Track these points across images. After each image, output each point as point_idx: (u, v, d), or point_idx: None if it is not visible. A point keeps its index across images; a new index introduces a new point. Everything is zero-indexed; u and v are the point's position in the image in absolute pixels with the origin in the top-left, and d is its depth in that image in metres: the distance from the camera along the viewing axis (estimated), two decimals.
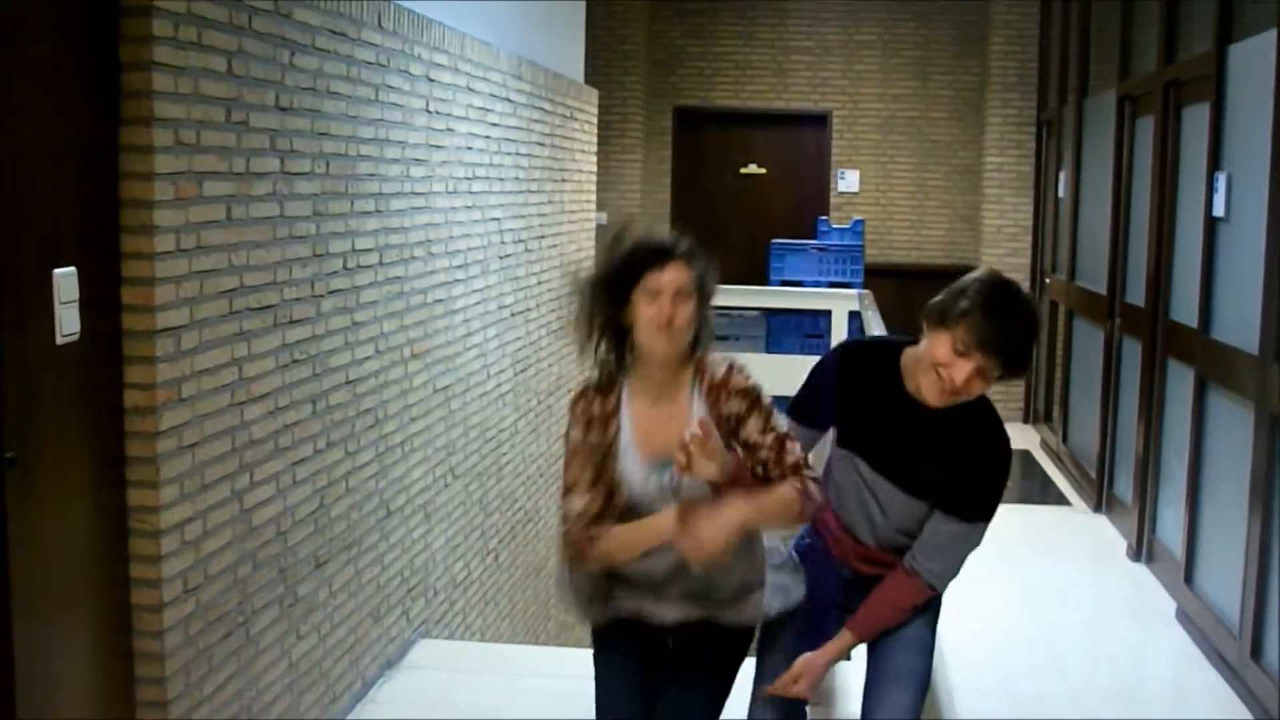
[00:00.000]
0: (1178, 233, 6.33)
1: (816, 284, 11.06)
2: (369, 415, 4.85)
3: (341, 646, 4.69)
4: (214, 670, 3.75)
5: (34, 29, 3.08)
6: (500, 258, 6.54)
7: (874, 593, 3.36)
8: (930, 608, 3.43)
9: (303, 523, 4.32)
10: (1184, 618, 5.74)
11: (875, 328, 7.44)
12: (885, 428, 3.27)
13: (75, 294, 3.19)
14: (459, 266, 5.87)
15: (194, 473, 3.60)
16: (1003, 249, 11.18)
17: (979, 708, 5.01)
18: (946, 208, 11.95)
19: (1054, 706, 5.03)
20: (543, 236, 7.42)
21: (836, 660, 3.40)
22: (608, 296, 2.99)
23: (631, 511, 3.05)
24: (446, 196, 5.66)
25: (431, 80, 5.42)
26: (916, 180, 12.01)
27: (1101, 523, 7.58)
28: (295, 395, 4.22)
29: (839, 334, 10.06)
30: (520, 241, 6.93)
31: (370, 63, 4.74)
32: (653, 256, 2.99)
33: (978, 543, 3.31)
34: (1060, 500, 8.27)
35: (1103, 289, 7.80)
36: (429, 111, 5.40)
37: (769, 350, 10.62)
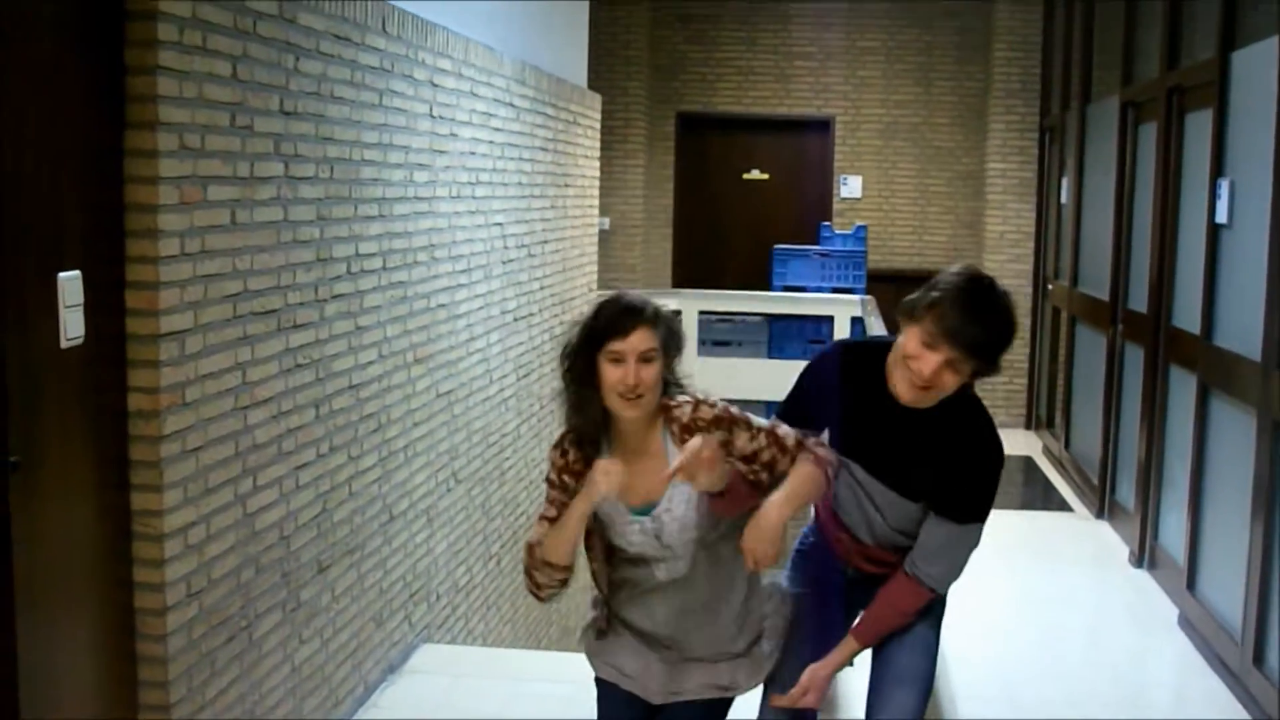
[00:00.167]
0: (1180, 239, 6.33)
1: (819, 289, 11.07)
2: (372, 420, 4.86)
3: (344, 651, 4.69)
4: (216, 674, 3.75)
5: (39, 33, 3.09)
6: (503, 263, 6.55)
7: (876, 598, 3.36)
8: (933, 609, 3.43)
9: (305, 527, 4.32)
10: (1186, 624, 5.74)
11: (878, 333, 7.45)
12: (875, 430, 3.26)
13: (80, 297, 3.20)
14: (462, 271, 5.87)
15: (197, 476, 3.60)
16: (1005, 255, 11.18)
17: (981, 713, 5.01)
18: (949, 214, 11.96)
19: (1056, 712, 5.02)
20: (545, 241, 7.42)
21: (841, 667, 3.41)
22: (578, 361, 3.04)
23: (617, 553, 3.16)
24: (450, 201, 5.67)
25: (435, 85, 5.43)
26: (919, 186, 12.02)
27: (1103, 529, 7.58)
28: (298, 399, 4.23)
29: None
30: (523, 246, 6.94)
31: (374, 67, 4.75)
32: (617, 322, 3.01)
33: (976, 543, 3.30)
34: (1062, 506, 8.27)
35: (1105, 295, 7.80)
36: (433, 116, 5.41)
37: (771, 356, 10.63)
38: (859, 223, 11.78)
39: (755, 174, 12.37)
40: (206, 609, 3.68)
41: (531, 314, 7.09)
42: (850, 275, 11.10)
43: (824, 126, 12.13)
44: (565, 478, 3.11)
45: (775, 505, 3.02)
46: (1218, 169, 5.57)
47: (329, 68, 4.35)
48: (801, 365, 3.47)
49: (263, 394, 3.97)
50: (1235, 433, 5.24)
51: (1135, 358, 7.10)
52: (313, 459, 4.35)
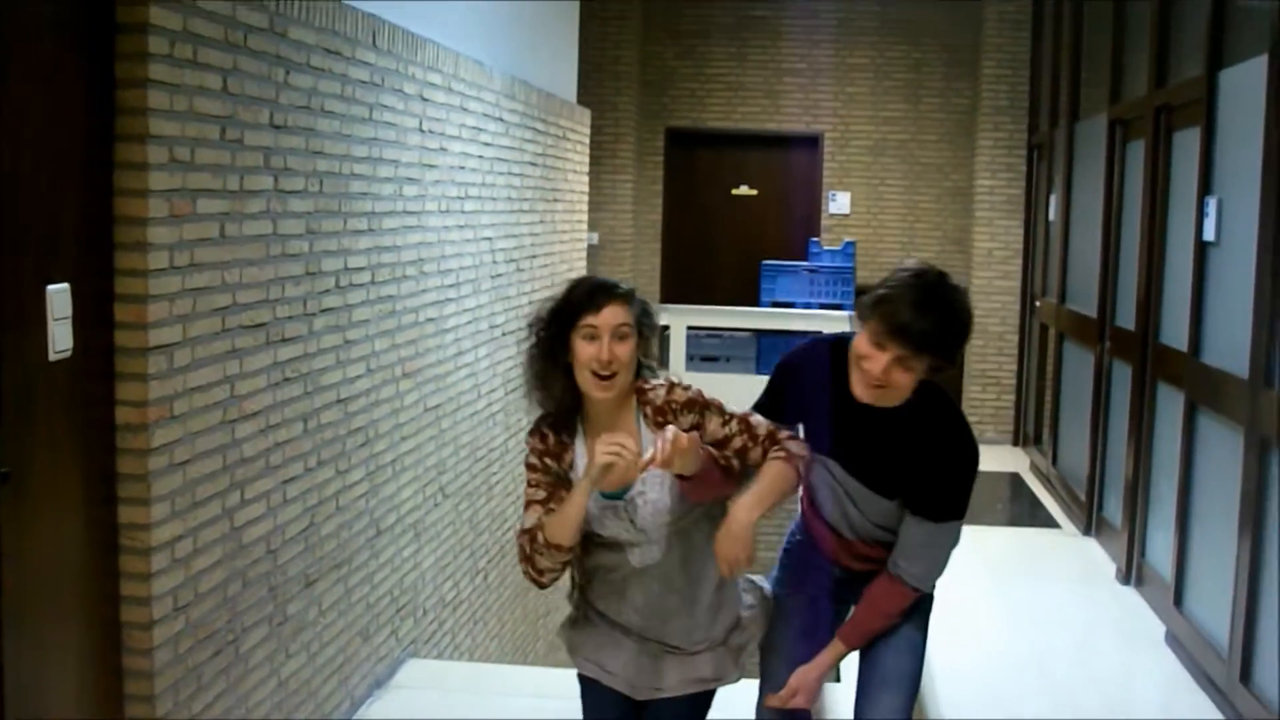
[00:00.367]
0: (1168, 257, 6.34)
1: (807, 305, 11.09)
2: (360, 434, 4.85)
3: (330, 665, 4.68)
4: (203, 688, 3.74)
5: (28, 46, 3.08)
6: (492, 277, 6.55)
7: (861, 601, 3.37)
8: (919, 609, 3.44)
9: (293, 541, 4.31)
10: (1173, 641, 5.75)
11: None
12: (846, 426, 3.25)
13: (68, 310, 3.19)
14: (451, 286, 5.87)
15: (185, 490, 3.59)
16: (993, 272, 11.20)
17: None
18: (937, 230, 11.98)
19: None
20: (534, 256, 7.42)
21: (830, 669, 3.41)
22: (550, 338, 3.05)
23: (590, 540, 3.16)
24: (439, 215, 5.67)
25: (425, 99, 5.43)
26: (907, 203, 12.05)
27: (1091, 545, 7.58)
28: (286, 413, 4.22)
29: None
30: (512, 261, 6.94)
31: (364, 81, 4.75)
32: (591, 297, 3.03)
33: (956, 540, 3.30)
34: (1049, 523, 8.28)
35: (1093, 312, 7.82)
36: (422, 131, 5.41)
37: (759, 371, 10.64)
38: (847, 239, 11.80)
39: (744, 189, 12.39)
40: (193, 623, 3.67)
41: (520, 329, 7.06)
42: (838, 291, 11.13)
43: (813, 142, 12.16)
44: (547, 460, 3.13)
45: (744, 507, 3.03)
46: (1205, 187, 5.58)
47: (319, 82, 4.35)
48: None
49: (251, 408, 3.96)
50: (1222, 450, 5.25)
51: (1123, 375, 7.11)
52: (300, 473, 4.34)
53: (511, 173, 6.91)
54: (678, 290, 12.24)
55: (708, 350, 11.30)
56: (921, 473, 3.19)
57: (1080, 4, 8.99)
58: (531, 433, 3.17)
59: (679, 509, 3.09)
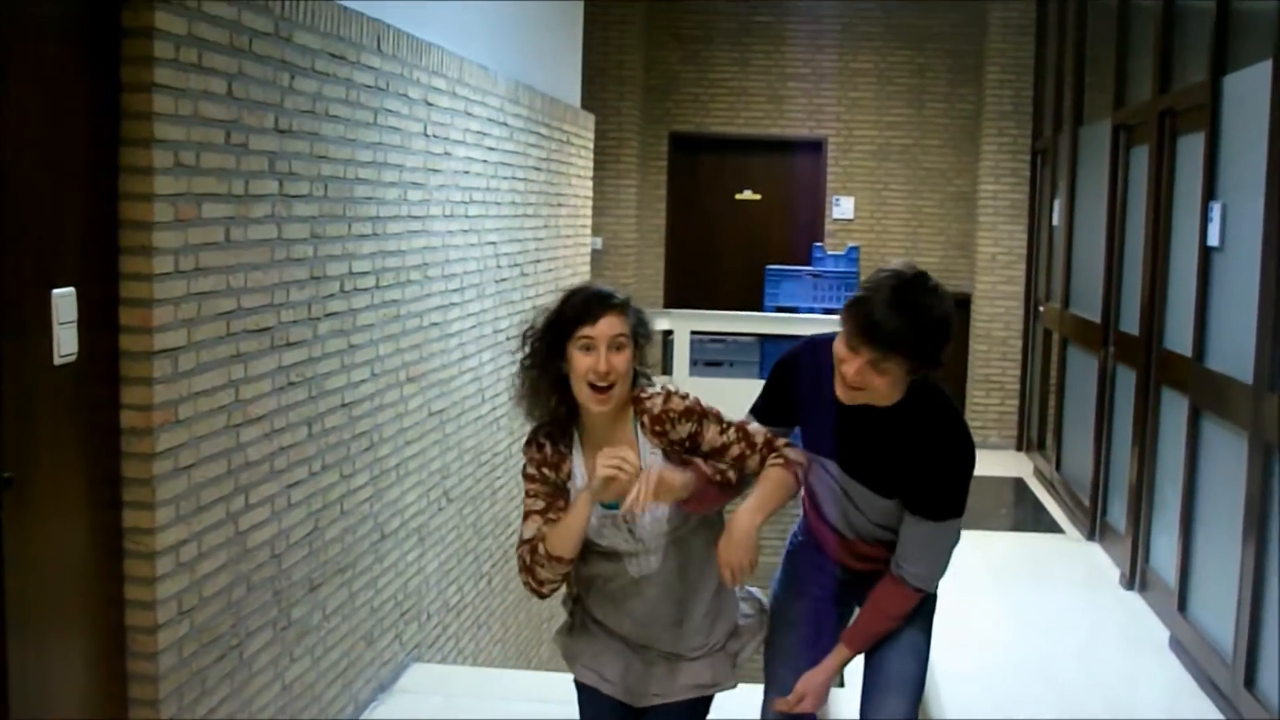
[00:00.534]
0: (1172, 262, 6.34)
1: (811, 310, 11.09)
2: (364, 438, 4.85)
3: (335, 670, 4.68)
4: (207, 693, 3.74)
5: (35, 50, 3.09)
6: (496, 281, 6.55)
7: (865, 604, 3.36)
8: (922, 612, 3.43)
9: (297, 545, 4.31)
10: (1177, 646, 5.74)
11: None
12: (842, 426, 3.23)
13: (74, 314, 3.20)
14: (455, 290, 5.87)
15: (190, 494, 3.59)
16: (997, 276, 11.20)
17: None
18: (941, 235, 11.98)
19: None
20: (538, 261, 7.43)
21: (836, 673, 3.41)
22: (545, 350, 3.03)
23: (588, 549, 3.13)
24: (443, 220, 5.67)
25: (430, 104, 5.44)
26: (911, 207, 12.05)
27: (1094, 550, 7.57)
28: (291, 418, 4.22)
29: None
30: (516, 265, 6.94)
31: (369, 86, 4.76)
32: (587, 308, 3.01)
33: (956, 538, 3.28)
34: (1053, 528, 8.27)
35: (1097, 317, 7.81)
36: (427, 135, 5.42)
37: (763, 376, 10.57)
38: (851, 244, 11.80)
39: (748, 194, 12.39)
40: (197, 627, 3.67)
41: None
42: (842, 296, 11.07)
43: (816, 147, 12.16)
44: (545, 470, 3.12)
45: (746, 514, 3.03)
46: (1209, 192, 5.58)
47: (324, 86, 4.36)
48: None
49: (255, 412, 3.97)
50: (1226, 455, 5.25)
51: (1127, 380, 7.11)
52: (305, 477, 4.34)
53: (516, 177, 6.91)
54: (681, 295, 12.24)
55: (711, 355, 11.30)
56: (919, 472, 3.18)
57: (1084, 9, 8.99)
58: (528, 443, 3.16)
59: (677, 519, 3.09)
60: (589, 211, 8.97)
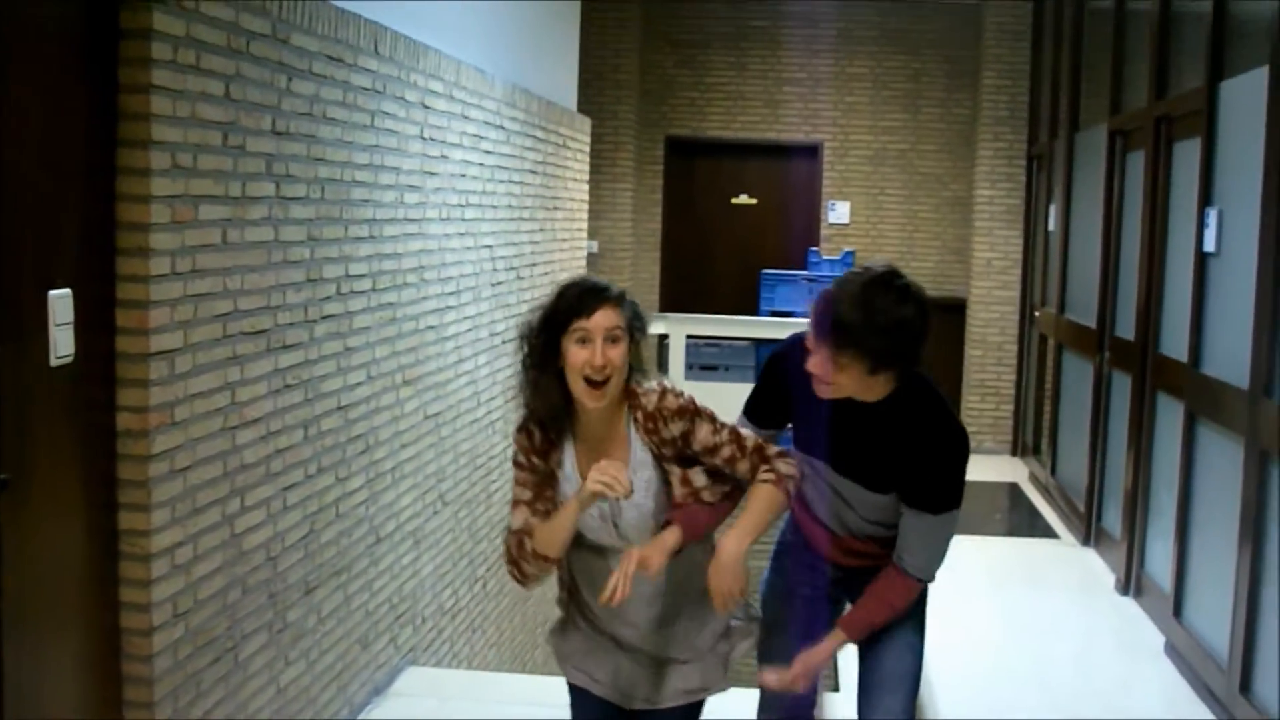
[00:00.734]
0: (1168, 267, 6.35)
1: (806, 315, 11.07)
2: (360, 441, 4.85)
3: (330, 673, 4.67)
4: (202, 695, 3.73)
5: (33, 51, 3.08)
6: (492, 285, 6.55)
7: (866, 594, 3.34)
8: (915, 610, 3.43)
9: (293, 548, 4.30)
10: (1173, 652, 5.74)
11: None
12: (832, 423, 3.23)
13: (70, 315, 3.19)
14: (451, 293, 5.87)
15: (185, 496, 3.59)
16: (992, 282, 11.20)
17: None
18: (936, 240, 11.99)
19: None
20: (534, 264, 7.43)
21: (831, 655, 3.38)
22: (542, 345, 3.01)
23: (577, 541, 3.12)
24: (440, 223, 5.67)
25: (426, 107, 5.43)
26: (907, 212, 12.05)
27: (1090, 556, 7.58)
28: (287, 420, 4.22)
29: None
30: (512, 269, 6.94)
31: (366, 88, 4.75)
32: (582, 301, 2.99)
33: (954, 529, 3.28)
34: (1048, 533, 8.27)
35: (1092, 323, 7.82)
36: (424, 138, 5.41)
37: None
38: (847, 248, 11.81)
39: (743, 199, 12.40)
40: (193, 630, 3.66)
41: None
42: None
43: (812, 152, 12.16)
44: (534, 459, 3.10)
45: (734, 539, 3.01)
46: (1206, 198, 5.58)
47: (321, 88, 4.35)
48: None
49: (251, 414, 3.96)
50: (1222, 461, 5.25)
51: (1122, 385, 7.11)
52: (301, 480, 4.34)
53: (512, 180, 6.91)
54: (677, 299, 12.24)
55: (707, 359, 11.30)
56: (913, 467, 3.16)
57: (1080, 14, 9.00)
58: (519, 430, 3.13)
59: (662, 513, 3.09)
60: (585, 215, 8.97)
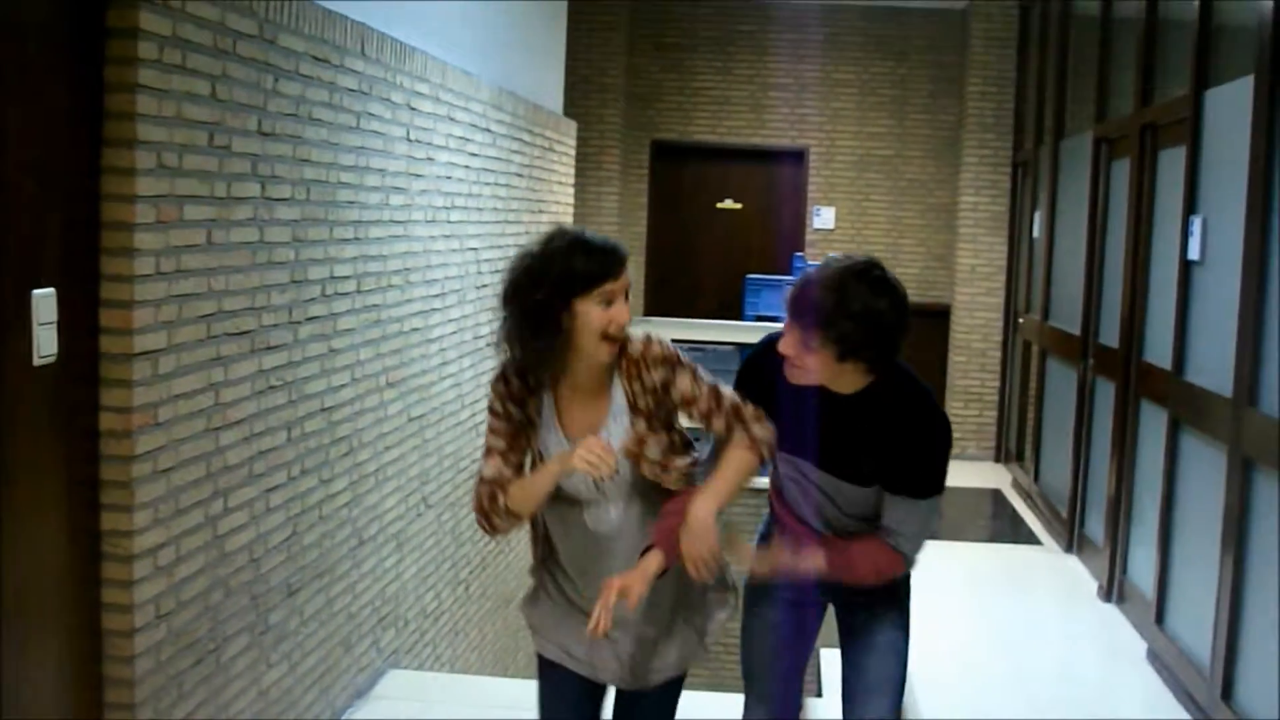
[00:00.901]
0: (1152, 275, 6.36)
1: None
2: (343, 443, 4.83)
3: (312, 675, 4.66)
4: (184, 697, 3.72)
5: (17, 49, 3.07)
6: (477, 288, 6.54)
7: (855, 543, 3.29)
8: (899, 611, 3.43)
9: (275, 550, 4.29)
10: (1155, 658, 5.75)
11: None
12: (814, 419, 3.22)
13: (53, 315, 3.18)
14: (436, 296, 5.86)
15: (168, 498, 3.57)
16: (976, 288, 11.22)
17: None
18: (921, 246, 12.00)
19: None
20: None
21: (811, 566, 3.30)
22: (560, 304, 2.97)
23: (555, 491, 3.10)
24: (425, 225, 5.66)
25: (413, 109, 5.43)
26: (892, 218, 12.06)
27: (1072, 563, 7.59)
28: (271, 422, 4.21)
29: None
30: (497, 272, 6.91)
31: (352, 90, 4.74)
32: (609, 263, 2.99)
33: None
34: (1031, 540, 8.28)
35: (1076, 330, 7.83)
36: (409, 140, 5.41)
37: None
38: (832, 254, 11.80)
39: (729, 203, 12.40)
40: (175, 631, 3.65)
41: None
42: None
43: (798, 157, 12.17)
44: (511, 407, 3.09)
45: (702, 503, 3.01)
46: (1190, 206, 5.60)
47: (307, 89, 4.34)
48: None
49: (235, 415, 3.95)
50: (1205, 468, 5.26)
51: (1106, 392, 7.12)
52: (284, 481, 4.33)
53: (498, 183, 6.91)
54: (661, 303, 12.24)
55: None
56: (895, 454, 3.15)
57: (1066, 22, 9.02)
58: (497, 378, 3.12)
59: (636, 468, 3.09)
60: (570, 218, 8.96)
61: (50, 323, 3.17)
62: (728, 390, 3.14)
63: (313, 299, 4.48)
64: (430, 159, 5.70)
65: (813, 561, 3.27)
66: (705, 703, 5.19)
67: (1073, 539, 7.75)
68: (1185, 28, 5.83)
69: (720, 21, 12.09)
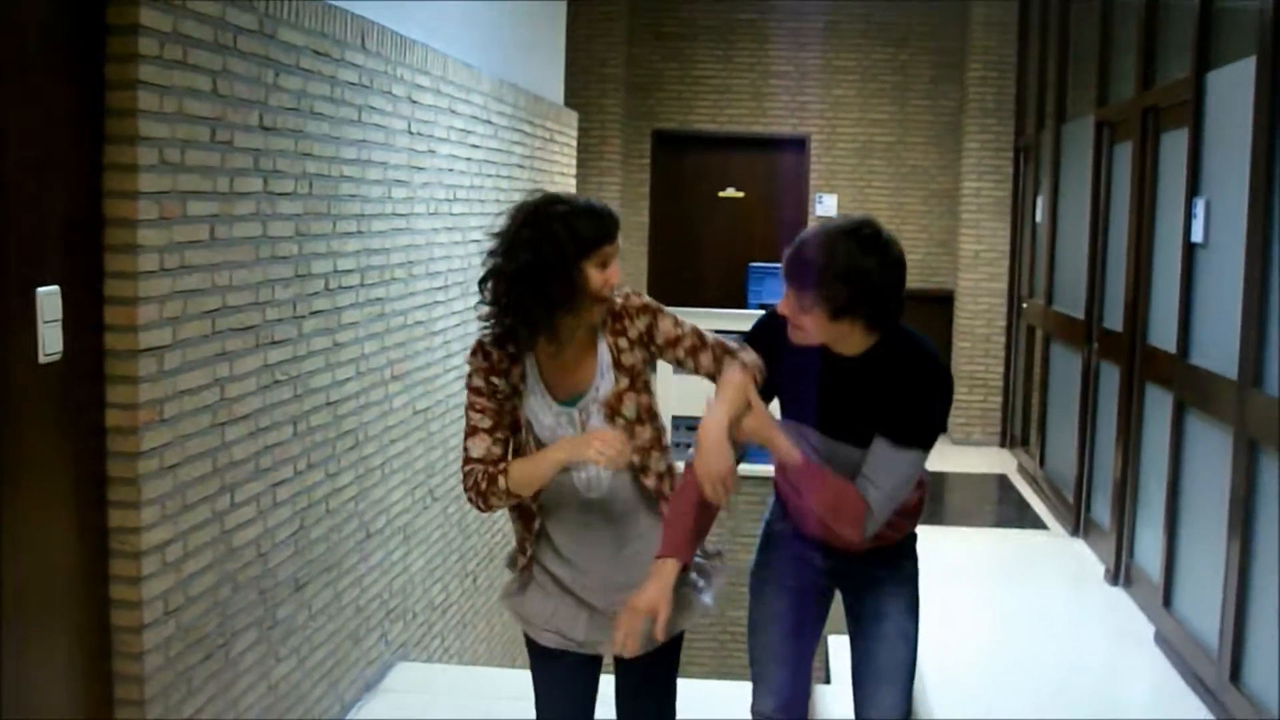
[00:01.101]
0: (1156, 258, 6.35)
1: None
2: (349, 437, 4.84)
3: (320, 669, 4.67)
4: (193, 693, 3.72)
5: (18, 47, 3.07)
6: (480, 280, 6.52)
7: (829, 475, 3.19)
8: (907, 598, 3.41)
9: (283, 544, 4.30)
10: (1162, 641, 5.75)
11: None
12: (821, 386, 3.19)
13: (58, 313, 3.18)
14: (439, 288, 5.86)
15: (175, 494, 3.58)
16: (980, 274, 11.21)
17: None
18: (924, 232, 11.99)
19: None
20: None
21: (781, 445, 3.18)
22: (564, 270, 2.97)
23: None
24: (428, 218, 5.66)
25: (414, 102, 5.42)
26: (894, 205, 12.05)
27: (1079, 547, 7.59)
28: (276, 416, 4.21)
29: None
30: None
31: (353, 83, 4.74)
32: (608, 227, 3.04)
33: (912, 474, 3.16)
34: (1037, 524, 8.28)
35: (1080, 314, 7.83)
36: (411, 133, 5.40)
37: None
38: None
39: (731, 192, 12.39)
40: (183, 627, 3.65)
41: None
42: None
43: (799, 145, 12.16)
44: (494, 379, 3.08)
45: (711, 421, 2.99)
46: (1193, 188, 5.59)
47: (308, 83, 4.34)
48: None
49: (241, 410, 3.95)
50: (1211, 451, 5.26)
51: (1110, 376, 7.12)
52: (290, 476, 4.33)
53: (500, 175, 6.90)
54: (664, 292, 12.22)
55: None
56: (888, 404, 3.10)
57: (1066, 5, 9.01)
58: (473, 351, 3.11)
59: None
60: None
61: (55, 320, 3.17)
62: (707, 332, 3.17)
63: (316, 293, 4.48)
64: (432, 151, 5.70)
65: (792, 456, 3.16)
66: (713, 691, 5.20)
67: (1079, 523, 7.75)
68: (1186, 10, 5.82)
69: (720, 10, 12.08)
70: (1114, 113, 7.33)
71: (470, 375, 3.11)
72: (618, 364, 3.09)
